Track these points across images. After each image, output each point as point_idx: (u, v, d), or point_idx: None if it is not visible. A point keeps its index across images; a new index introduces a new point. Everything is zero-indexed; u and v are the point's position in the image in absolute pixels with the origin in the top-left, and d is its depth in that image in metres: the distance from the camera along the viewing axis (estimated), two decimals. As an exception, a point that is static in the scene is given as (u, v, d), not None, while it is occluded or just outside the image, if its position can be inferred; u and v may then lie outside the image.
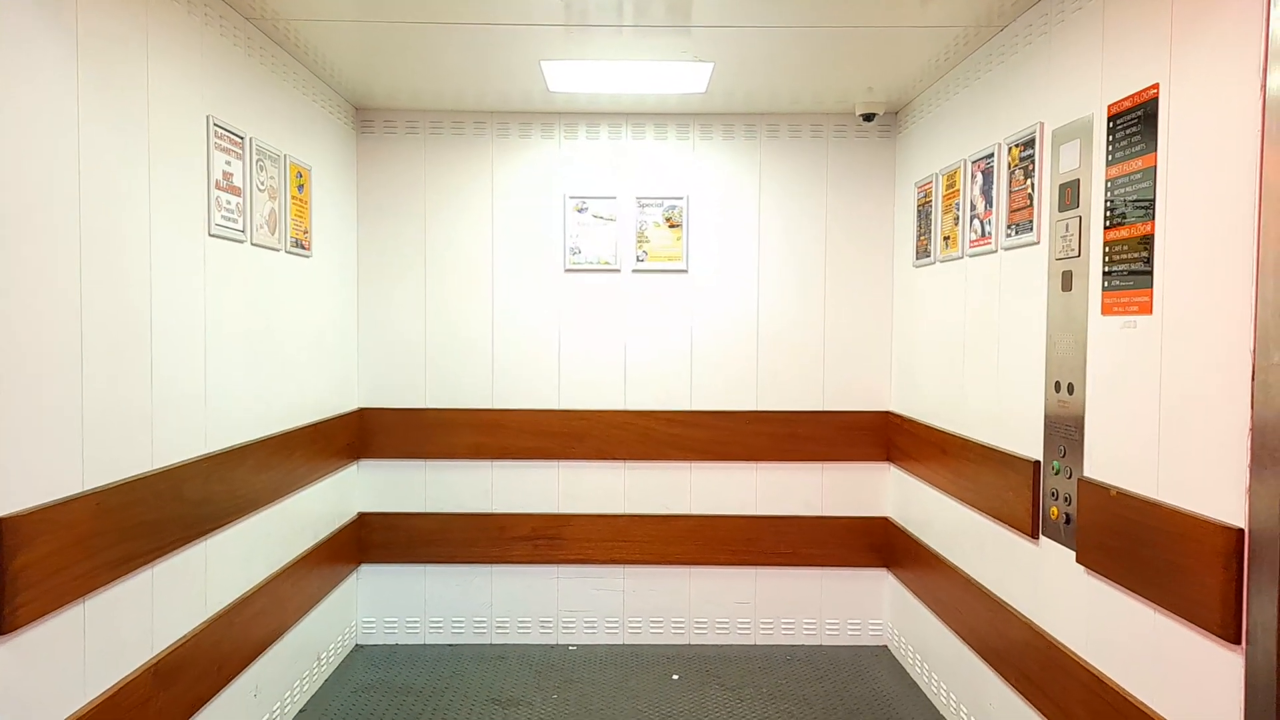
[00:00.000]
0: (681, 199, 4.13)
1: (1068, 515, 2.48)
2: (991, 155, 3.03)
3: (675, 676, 3.86)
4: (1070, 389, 2.47)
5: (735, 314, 4.18)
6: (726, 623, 4.23)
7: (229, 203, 2.83)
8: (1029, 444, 2.74)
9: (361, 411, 4.15)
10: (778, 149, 4.16)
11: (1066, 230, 2.48)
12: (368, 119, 4.12)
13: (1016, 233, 2.83)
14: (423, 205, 4.14)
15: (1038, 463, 2.67)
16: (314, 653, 3.65)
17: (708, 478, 4.21)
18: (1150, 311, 2.09)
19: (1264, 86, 1.73)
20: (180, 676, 2.52)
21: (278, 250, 3.23)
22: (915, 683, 3.79)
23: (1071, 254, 2.46)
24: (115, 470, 2.23)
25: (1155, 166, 2.08)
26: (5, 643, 1.83)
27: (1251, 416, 1.74)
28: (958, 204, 3.34)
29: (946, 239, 3.46)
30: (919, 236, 3.80)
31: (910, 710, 3.54)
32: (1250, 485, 1.74)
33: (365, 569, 4.20)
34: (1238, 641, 1.77)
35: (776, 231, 4.17)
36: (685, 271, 4.16)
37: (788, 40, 3.12)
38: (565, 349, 4.17)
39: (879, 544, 4.20)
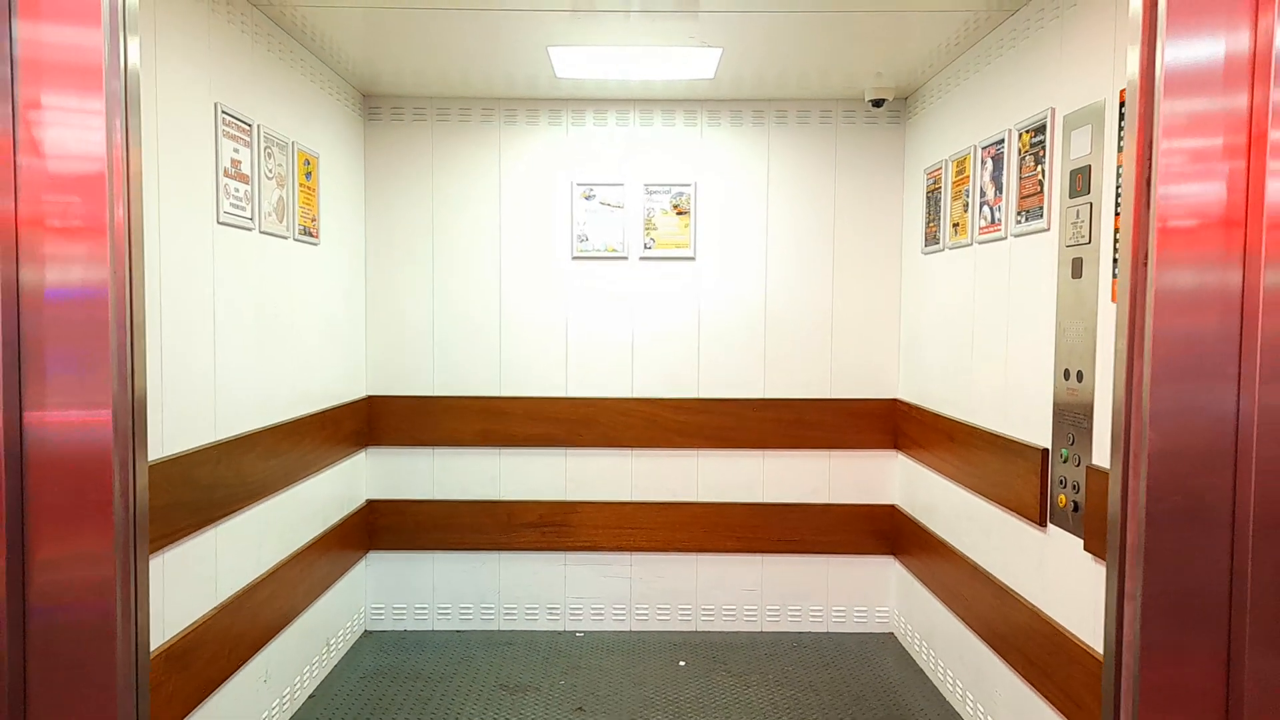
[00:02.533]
0: (689, 186, 4.12)
1: (1076, 503, 2.48)
2: (1002, 141, 3.01)
3: (682, 663, 3.88)
4: (1080, 376, 2.46)
5: (743, 302, 4.17)
6: (733, 609, 4.24)
7: (237, 190, 2.84)
8: (1038, 431, 2.74)
9: (370, 399, 4.16)
10: (786, 135, 4.14)
11: (1077, 217, 2.47)
12: (375, 105, 4.11)
13: (1027, 219, 2.82)
14: (430, 193, 4.14)
15: (1046, 450, 2.67)
16: (323, 638, 3.67)
17: (715, 465, 4.21)
18: (1161, 299, 2.08)
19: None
20: (191, 661, 2.54)
21: (286, 238, 3.23)
22: (921, 669, 3.80)
23: (1082, 240, 2.44)
24: (126, 457, 2.23)
25: (1167, 152, 2.06)
26: (19, 627, 1.85)
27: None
28: (967, 190, 3.32)
29: (956, 226, 3.44)
30: (928, 223, 3.78)
31: (916, 696, 3.55)
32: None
33: (374, 555, 4.22)
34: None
35: (785, 219, 4.16)
36: (693, 259, 4.15)
37: (796, 25, 3.10)
38: (572, 336, 4.17)
39: (886, 531, 4.21)
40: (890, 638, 4.17)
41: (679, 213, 4.13)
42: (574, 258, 4.15)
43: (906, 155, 4.11)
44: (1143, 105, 1.21)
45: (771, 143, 4.14)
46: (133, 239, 1.19)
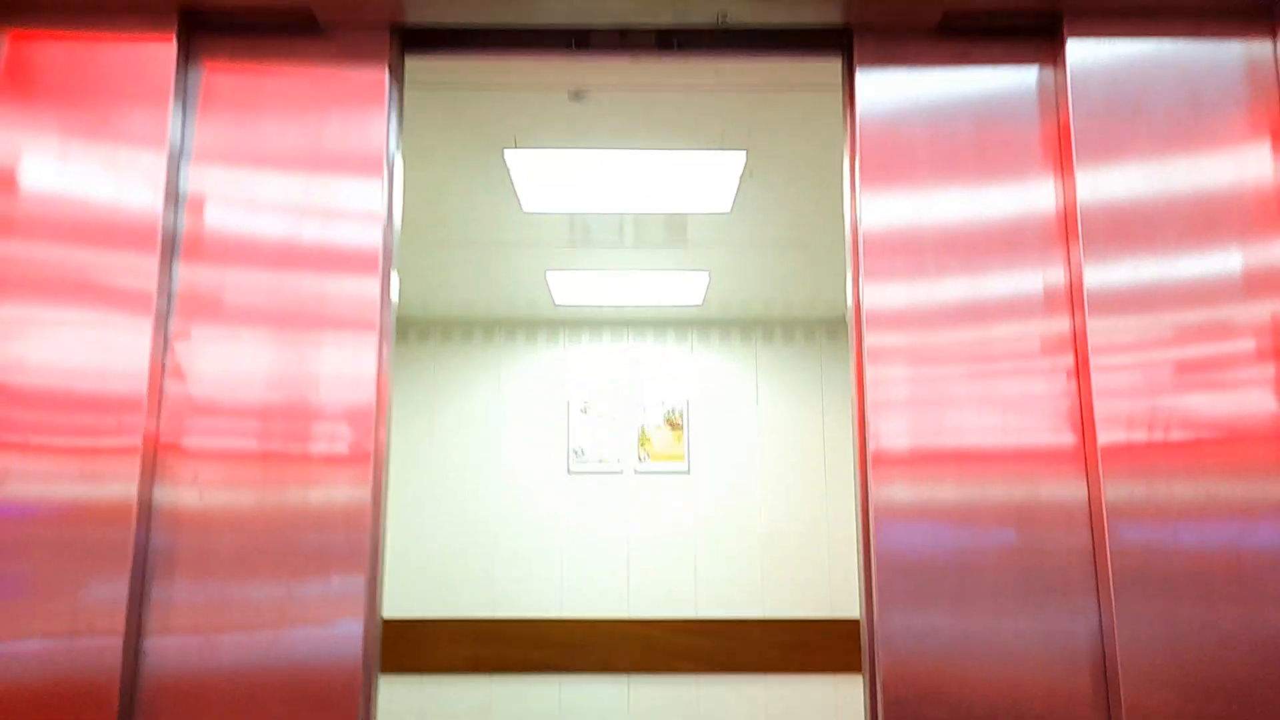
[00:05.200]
0: (682, 401, 4.23)
1: None
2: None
3: None
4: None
5: (738, 516, 4.14)
6: None
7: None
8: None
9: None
10: (773, 353, 4.31)
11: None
12: (382, 331, 4.31)
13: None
14: (429, 413, 4.24)
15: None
16: None
17: (716, 692, 3.97)
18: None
19: None
20: None
21: (285, 450, 3.28)
22: None
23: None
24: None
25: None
26: None
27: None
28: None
29: (943, 434, 3.50)
30: (916, 434, 3.84)
31: None
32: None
33: (348, 799, 3.86)
34: None
35: (775, 433, 4.23)
36: (687, 472, 4.18)
37: (777, 254, 3.33)
38: (567, 554, 4.10)
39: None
40: None
41: (673, 427, 4.21)
42: (570, 472, 4.17)
43: (891, 371, 4.24)
44: (856, 336, 1.39)
45: (759, 360, 4.30)
46: (383, 463, 1.26)
